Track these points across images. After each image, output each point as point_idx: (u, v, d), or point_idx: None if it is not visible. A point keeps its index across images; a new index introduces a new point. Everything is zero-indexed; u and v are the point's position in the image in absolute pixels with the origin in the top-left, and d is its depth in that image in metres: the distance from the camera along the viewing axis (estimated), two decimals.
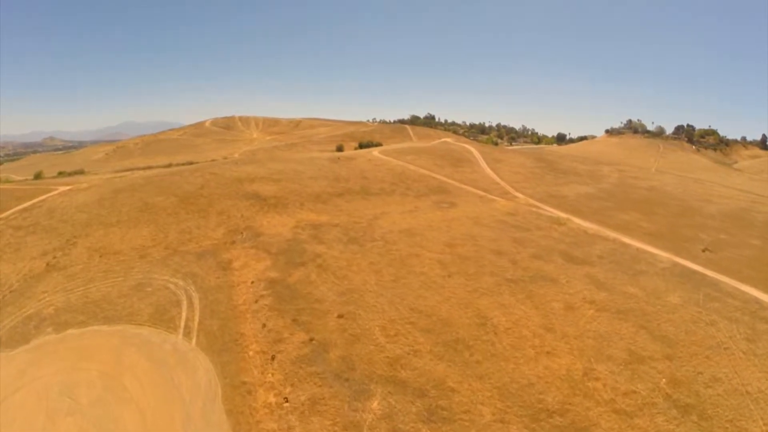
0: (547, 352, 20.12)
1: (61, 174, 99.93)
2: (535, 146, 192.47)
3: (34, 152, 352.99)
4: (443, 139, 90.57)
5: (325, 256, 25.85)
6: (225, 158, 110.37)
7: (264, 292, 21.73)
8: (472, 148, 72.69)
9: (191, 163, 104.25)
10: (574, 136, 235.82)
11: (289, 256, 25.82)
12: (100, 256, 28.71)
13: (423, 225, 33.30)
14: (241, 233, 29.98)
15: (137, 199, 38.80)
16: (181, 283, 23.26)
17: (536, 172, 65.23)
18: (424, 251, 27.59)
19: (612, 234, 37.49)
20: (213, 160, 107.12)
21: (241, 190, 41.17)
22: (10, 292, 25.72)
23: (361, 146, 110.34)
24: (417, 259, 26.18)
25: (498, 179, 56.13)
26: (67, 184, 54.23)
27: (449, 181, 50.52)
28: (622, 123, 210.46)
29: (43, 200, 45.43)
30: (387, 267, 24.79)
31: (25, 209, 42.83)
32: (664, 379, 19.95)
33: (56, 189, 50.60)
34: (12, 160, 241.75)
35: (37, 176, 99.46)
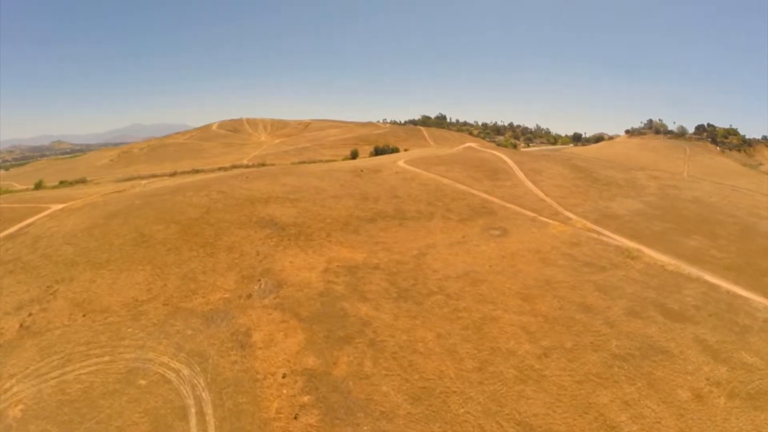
0: None
1: (62, 183, 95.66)
2: (552, 147, 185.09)
3: (42, 156, 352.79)
4: (468, 144, 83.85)
5: (375, 323, 19.53)
6: (233, 165, 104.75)
7: (305, 398, 15.35)
8: (504, 156, 65.99)
9: (197, 171, 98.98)
10: (580, 132, 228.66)
11: (327, 325, 19.48)
12: (84, 315, 22.66)
13: (482, 265, 26.87)
14: (259, 281, 23.78)
15: (132, 228, 32.81)
16: (185, 371, 17.04)
17: (578, 183, 58.72)
18: (498, 310, 21.23)
19: (692, 270, 31.86)
20: (220, 168, 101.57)
21: (253, 214, 35.04)
22: None
23: (377, 151, 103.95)
24: (495, 326, 19.85)
25: (543, 195, 49.49)
26: (61, 201, 48.87)
27: (491, 198, 44.00)
28: (642, 123, 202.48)
29: (31, 224, 39.92)
30: (462, 342, 18.45)
31: (10, 236, 37.31)
32: None
33: (48, 208, 45.18)
34: (20, 164, 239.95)
35: (38, 186, 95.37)
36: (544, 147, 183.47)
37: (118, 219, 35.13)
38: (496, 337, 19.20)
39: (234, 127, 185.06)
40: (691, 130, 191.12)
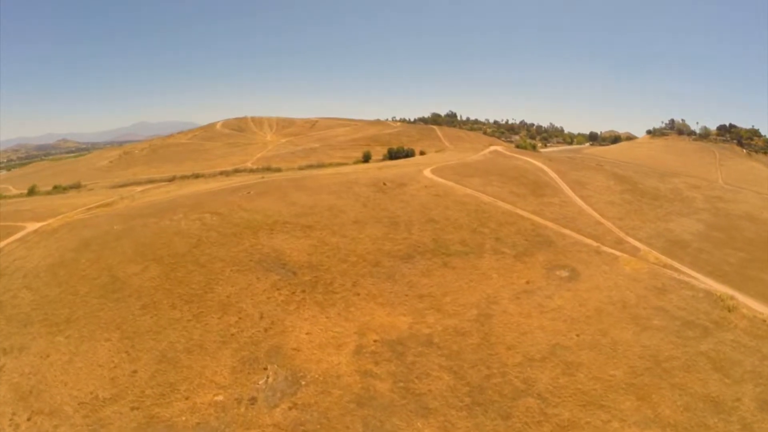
0: None
1: (55, 188, 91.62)
2: (570, 147, 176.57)
3: (47, 154, 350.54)
4: (493, 148, 76.28)
5: None
6: (236, 169, 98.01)
7: None
8: (542, 165, 58.60)
9: (197, 176, 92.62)
10: (596, 132, 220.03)
11: None
12: (28, 419, 15.88)
13: (567, 333, 19.77)
14: (265, 368, 16.86)
15: (104, 268, 26.02)
16: None
17: (627, 198, 51.62)
18: (614, 421, 14.19)
19: None
20: (222, 172, 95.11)
21: (255, 249, 28.09)
22: None
23: (391, 154, 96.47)
24: None
25: (597, 215, 42.19)
26: (41, 218, 42.64)
27: (543, 222, 36.74)
28: (663, 123, 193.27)
29: None
30: None
31: None
32: None
33: (24, 227, 38.86)
34: (23, 164, 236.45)
35: (31, 191, 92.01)
36: (562, 147, 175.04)
37: (89, 253, 28.37)
38: None
39: (239, 126, 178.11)
40: (712, 130, 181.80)
